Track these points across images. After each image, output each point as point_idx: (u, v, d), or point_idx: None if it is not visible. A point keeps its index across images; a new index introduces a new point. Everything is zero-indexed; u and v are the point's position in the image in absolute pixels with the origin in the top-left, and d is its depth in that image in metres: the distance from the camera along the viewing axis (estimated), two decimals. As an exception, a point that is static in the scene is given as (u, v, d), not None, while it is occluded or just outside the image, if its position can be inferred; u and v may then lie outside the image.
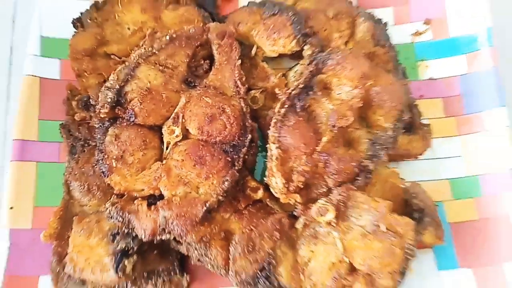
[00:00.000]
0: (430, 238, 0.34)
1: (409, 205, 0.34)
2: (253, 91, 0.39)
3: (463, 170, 0.39)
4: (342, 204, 0.33)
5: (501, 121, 0.38)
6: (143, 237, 0.32)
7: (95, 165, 0.35)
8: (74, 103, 0.38)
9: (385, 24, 0.42)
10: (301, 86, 0.35)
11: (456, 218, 0.38)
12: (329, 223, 0.33)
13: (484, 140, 0.39)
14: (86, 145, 0.37)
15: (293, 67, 0.39)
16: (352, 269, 0.33)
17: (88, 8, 0.41)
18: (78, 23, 0.40)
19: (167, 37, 0.36)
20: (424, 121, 0.40)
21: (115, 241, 0.33)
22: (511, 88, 0.41)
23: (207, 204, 0.32)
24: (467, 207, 0.38)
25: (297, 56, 0.39)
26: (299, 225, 0.34)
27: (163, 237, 0.32)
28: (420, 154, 0.39)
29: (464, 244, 0.37)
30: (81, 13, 0.40)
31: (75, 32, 0.40)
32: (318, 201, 0.34)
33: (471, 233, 0.37)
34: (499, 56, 0.40)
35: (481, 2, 0.41)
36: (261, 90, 0.39)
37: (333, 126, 0.34)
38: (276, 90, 0.37)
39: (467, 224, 0.38)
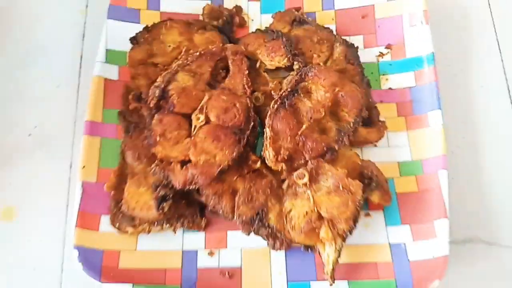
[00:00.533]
0: (376, 199, 0.46)
1: (362, 175, 0.47)
2: (256, 93, 0.51)
3: (409, 155, 0.51)
4: (314, 171, 0.45)
5: (438, 120, 0.50)
6: (177, 186, 0.45)
7: (144, 140, 0.48)
8: (129, 97, 0.51)
9: (356, 47, 0.54)
10: (289, 89, 0.48)
11: (402, 189, 0.49)
12: (305, 184, 0.45)
13: (425, 133, 0.50)
14: (136, 127, 0.50)
15: (286, 76, 0.52)
16: (320, 217, 0.44)
17: (141, 30, 0.54)
18: (134, 40, 0.53)
19: (197, 53, 0.50)
20: (382, 119, 0.52)
21: (157, 190, 0.45)
22: (446, 96, 0.53)
23: (221, 166, 0.45)
24: (411, 182, 0.49)
25: (289, 68, 0.52)
26: (284, 186, 0.46)
27: (190, 187, 0.45)
28: (376, 142, 0.51)
29: (406, 208, 0.48)
30: (136, 33, 0.53)
31: (132, 47, 0.53)
32: (299, 169, 0.47)
33: (412, 200, 0.48)
34: (438, 73, 0.52)
35: (426, 35, 0.53)
36: (262, 92, 0.51)
37: (310, 118, 0.47)
38: (272, 93, 0.50)
39: (410, 194, 0.48)
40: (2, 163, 0.52)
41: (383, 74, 0.55)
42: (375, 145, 0.52)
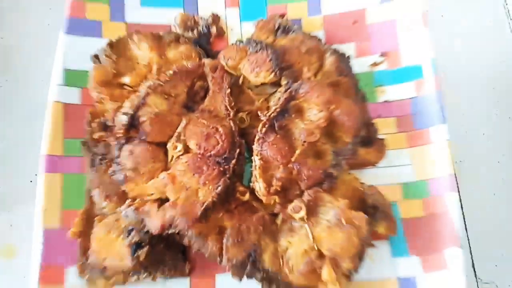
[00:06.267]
0: (382, 230, 0.42)
1: (366, 203, 0.43)
2: (240, 113, 0.46)
3: (413, 175, 0.47)
4: (311, 203, 0.40)
5: (443, 135, 0.46)
6: (153, 231, 0.39)
7: (112, 175, 0.42)
8: (94, 125, 0.45)
9: (348, 57, 0.50)
10: (278, 109, 0.43)
11: (407, 214, 0.45)
12: (302, 219, 0.41)
13: (429, 150, 0.47)
14: (103, 159, 0.44)
15: (273, 93, 0.47)
16: (321, 255, 0.40)
17: (104, 46, 0.47)
18: (96, 58, 0.47)
19: (171, 72, 0.44)
20: (380, 136, 0.48)
21: (130, 236, 0.40)
22: (451, 107, 0.49)
23: (205, 204, 0.39)
24: (416, 206, 0.45)
25: (276, 84, 0.47)
26: (278, 221, 0.42)
27: (170, 231, 0.39)
28: (377, 163, 0.47)
29: (413, 236, 0.44)
30: (98, 50, 0.47)
31: (94, 66, 0.47)
32: (294, 201, 0.42)
33: (419, 227, 0.45)
34: (442, 82, 0.48)
35: (425, 38, 0.49)
36: (247, 112, 0.46)
37: (304, 142, 0.42)
38: (259, 113, 0.45)
39: (416, 219, 0.45)
40: (5, 207, 0.51)
41: (379, 86, 0.51)
42: (374, 165, 0.47)
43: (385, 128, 0.49)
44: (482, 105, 0.57)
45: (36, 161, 0.48)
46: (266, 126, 0.42)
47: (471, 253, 0.49)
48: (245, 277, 0.41)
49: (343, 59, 0.49)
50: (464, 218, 0.50)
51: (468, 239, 0.50)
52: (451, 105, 0.52)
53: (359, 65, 0.51)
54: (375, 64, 0.52)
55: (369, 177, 0.47)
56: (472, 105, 0.56)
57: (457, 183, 0.45)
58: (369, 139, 0.46)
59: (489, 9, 0.62)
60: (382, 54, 0.52)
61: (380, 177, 0.47)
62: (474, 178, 0.53)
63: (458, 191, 0.45)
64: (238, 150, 0.43)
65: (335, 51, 0.49)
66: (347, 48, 0.52)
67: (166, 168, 0.42)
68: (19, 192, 0.51)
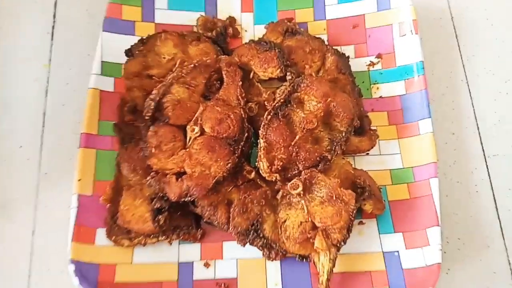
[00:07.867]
0: (369, 208, 0.47)
1: (355, 184, 0.48)
2: (250, 103, 0.51)
3: (400, 163, 0.51)
4: (308, 181, 0.46)
5: (427, 129, 0.51)
6: (172, 199, 0.45)
7: (139, 152, 0.48)
8: (125, 109, 0.51)
9: (347, 57, 0.55)
10: (282, 100, 0.48)
11: (394, 197, 0.50)
12: (299, 194, 0.45)
13: (416, 142, 0.51)
14: (132, 138, 0.50)
15: (279, 86, 0.52)
16: (314, 227, 0.45)
17: (136, 42, 0.54)
18: (129, 52, 0.53)
19: (192, 65, 0.50)
20: (373, 128, 0.53)
21: (153, 202, 0.46)
22: (435, 104, 0.54)
23: (216, 178, 0.45)
24: (402, 190, 0.50)
25: (282, 79, 0.52)
26: (279, 196, 0.47)
27: (186, 199, 0.45)
28: (368, 150, 0.52)
29: (398, 216, 0.49)
30: (131, 46, 0.53)
31: (127, 59, 0.53)
32: (293, 179, 0.47)
33: (404, 208, 0.49)
34: (427, 82, 0.53)
35: (416, 44, 0.54)
36: (256, 102, 0.51)
37: (303, 128, 0.48)
38: (266, 103, 0.51)
39: (402, 201, 0.50)
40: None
41: (374, 83, 0.56)
42: (367, 154, 0.53)
43: (378, 120, 0.53)
44: (510, 94, 0.56)
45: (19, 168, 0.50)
46: (271, 114, 0.48)
47: (507, 254, 0.49)
48: (247, 243, 0.46)
49: (342, 59, 0.55)
50: (498, 217, 0.50)
51: (504, 239, 0.50)
52: (477, 97, 0.54)
53: (357, 65, 0.56)
54: (371, 64, 0.57)
55: (361, 162, 0.52)
56: (500, 95, 0.56)
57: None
58: (362, 129, 0.51)
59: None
60: (378, 56, 0.57)
61: (372, 163, 0.52)
62: (510, 173, 0.52)
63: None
64: (246, 134, 0.48)
65: (336, 52, 0.55)
66: (347, 50, 0.57)
67: (185, 146, 0.47)
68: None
